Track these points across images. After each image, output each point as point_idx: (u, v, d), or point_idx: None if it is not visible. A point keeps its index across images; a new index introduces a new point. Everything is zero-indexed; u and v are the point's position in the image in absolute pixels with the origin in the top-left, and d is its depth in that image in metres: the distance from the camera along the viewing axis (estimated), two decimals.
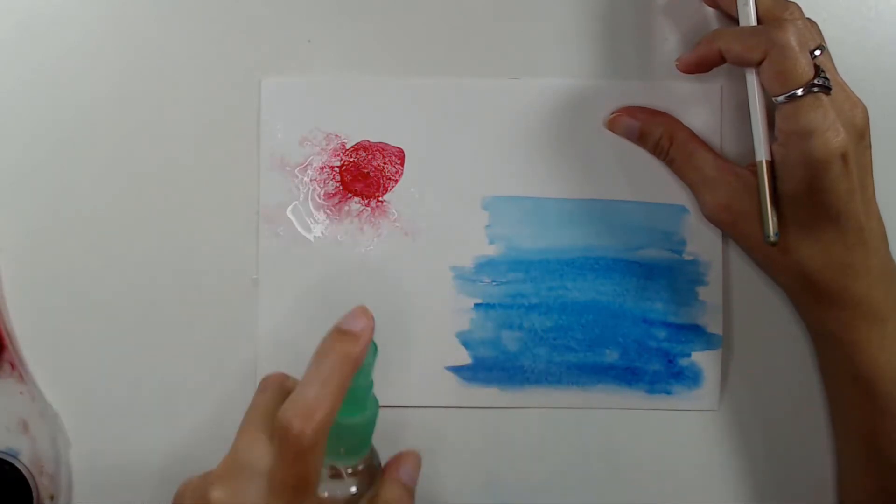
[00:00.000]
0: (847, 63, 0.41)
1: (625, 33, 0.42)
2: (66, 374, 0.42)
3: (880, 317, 0.37)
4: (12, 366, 0.42)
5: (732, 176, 0.39)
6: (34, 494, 0.42)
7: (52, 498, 0.42)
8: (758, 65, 0.36)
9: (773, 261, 0.39)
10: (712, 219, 0.41)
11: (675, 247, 0.42)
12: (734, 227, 0.40)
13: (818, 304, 0.38)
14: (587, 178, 0.42)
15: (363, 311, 0.33)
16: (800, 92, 0.35)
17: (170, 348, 0.42)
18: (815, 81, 0.35)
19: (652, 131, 0.41)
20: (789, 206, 0.37)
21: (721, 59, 0.38)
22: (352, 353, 0.32)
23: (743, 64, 0.37)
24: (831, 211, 0.36)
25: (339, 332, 0.33)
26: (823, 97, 0.35)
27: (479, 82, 0.42)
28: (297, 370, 0.42)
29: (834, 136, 0.35)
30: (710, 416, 0.43)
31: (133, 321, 0.42)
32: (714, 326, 0.43)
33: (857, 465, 0.40)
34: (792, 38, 0.35)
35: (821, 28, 0.38)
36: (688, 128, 0.41)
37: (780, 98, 0.35)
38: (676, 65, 0.40)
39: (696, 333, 0.43)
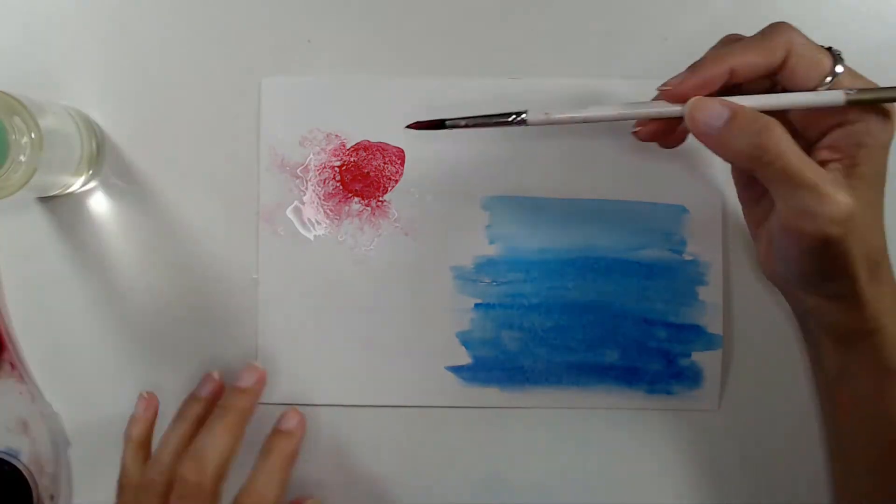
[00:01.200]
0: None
1: (625, 33, 0.42)
2: (66, 374, 0.42)
3: None
4: (12, 366, 0.42)
5: None
6: (34, 494, 0.42)
7: (52, 498, 0.42)
8: (780, 67, 0.34)
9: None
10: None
11: (675, 247, 0.42)
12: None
13: (877, 281, 0.34)
14: (587, 178, 0.42)
15: (294, 412, 0.41)
16: (839, 69, 0.33)
17: (170, 348, 0.42)
18: (835, 52, 0.34)
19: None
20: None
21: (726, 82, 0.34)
22: (289, 450, 0.40)
23: (764, 73, 0.34)
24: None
25: (277, 433, 0.41)
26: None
27: (479, 82, 0.42)
28: (296, 370, 0.42)
29: None
30: (710, 416, 0.43)
31: (133, 321, 0.42)
32: (714, 326, 0.43)
33: (870, 478, 0.37)
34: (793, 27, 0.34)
35: (820, 29, 0.37)
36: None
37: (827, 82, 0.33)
38: (662, 93, 0.34)
39: (696, 333, 0.43)
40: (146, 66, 0.42)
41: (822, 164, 0.33)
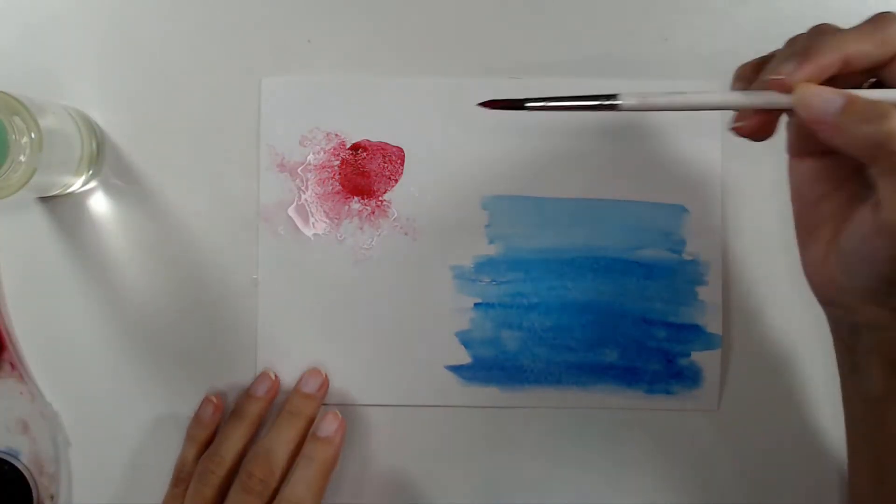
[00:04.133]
0: None
1: (624, 33, 0.42)
2: (66, 374, 0.42)
3: None
4: (12, 366, 0.42)
5: None
6: (34, 494, 0.42)
7: (52, 498, 0.42)
8: (890, 60, 0.31)
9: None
10: None
11: (675, 247, 0.42)
12: None
13: None
14: (587, 178, 0.42)
15: (334, 416, 0.41)
16: None
17: (170, 349, 0.42)
18: None
19: None
20: None
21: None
22: (329, 457, 0.40)
23: (875, 65, 0.31)
24: None
25: (316, 440, 0.41)
26: None
27: (479, 82, 0.42)
28: (295, 370, 0.42)
29: None
30: (710, 416, 0.43)
31: (133, 321, 0.42)
32: (714, 326, 0.43)
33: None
34: None
35: None
36: None
37: None
38: (773, 81, 0.31)
39: (695, 333, 0.43)
40: (146, 66, 0.42)
41: None
